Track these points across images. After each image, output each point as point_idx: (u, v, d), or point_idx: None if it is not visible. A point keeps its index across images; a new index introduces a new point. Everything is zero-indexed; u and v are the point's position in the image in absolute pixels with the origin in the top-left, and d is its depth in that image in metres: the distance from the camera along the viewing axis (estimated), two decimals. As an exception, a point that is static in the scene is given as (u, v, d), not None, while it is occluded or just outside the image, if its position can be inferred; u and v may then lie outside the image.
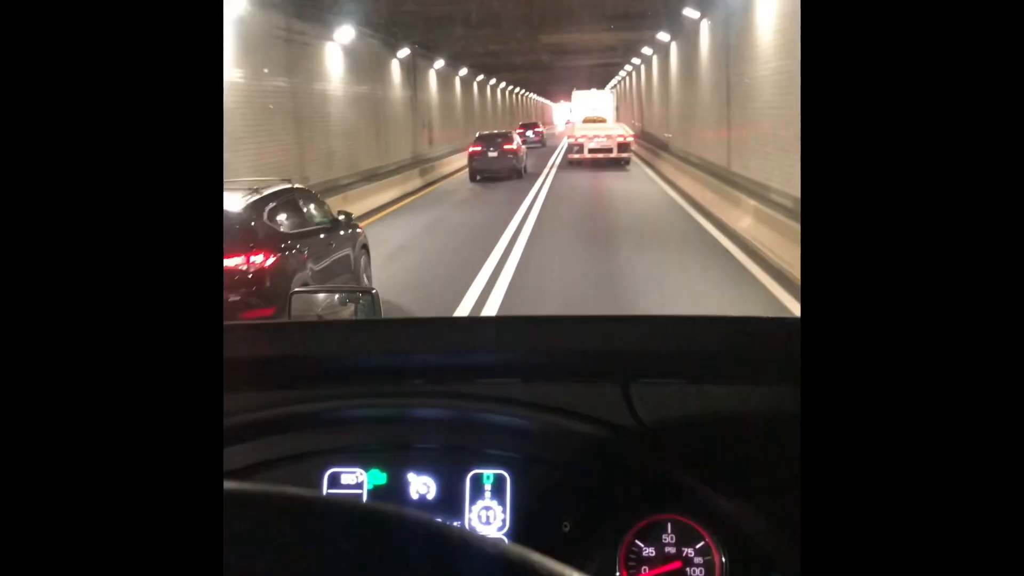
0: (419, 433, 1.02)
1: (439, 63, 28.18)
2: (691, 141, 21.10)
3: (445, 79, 30.49)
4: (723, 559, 0.93)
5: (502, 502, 0.98)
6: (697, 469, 0.91)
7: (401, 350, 1.03)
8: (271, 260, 5.59)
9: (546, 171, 22.14)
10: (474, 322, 1.14)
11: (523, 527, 0.97)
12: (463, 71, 33.02)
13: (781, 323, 1.01)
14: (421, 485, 0.99)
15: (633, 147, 24.43)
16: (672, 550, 0.94)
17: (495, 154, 20.35)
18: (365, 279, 7.37)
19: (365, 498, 0.98)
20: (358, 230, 7.43)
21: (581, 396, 0.97)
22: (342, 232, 6.95)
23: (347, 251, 6.96)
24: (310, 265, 6.02)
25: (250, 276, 5.48)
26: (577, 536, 0.94)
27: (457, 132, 30.86)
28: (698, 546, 0.94)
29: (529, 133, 31.90)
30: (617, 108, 46.24)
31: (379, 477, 1.00)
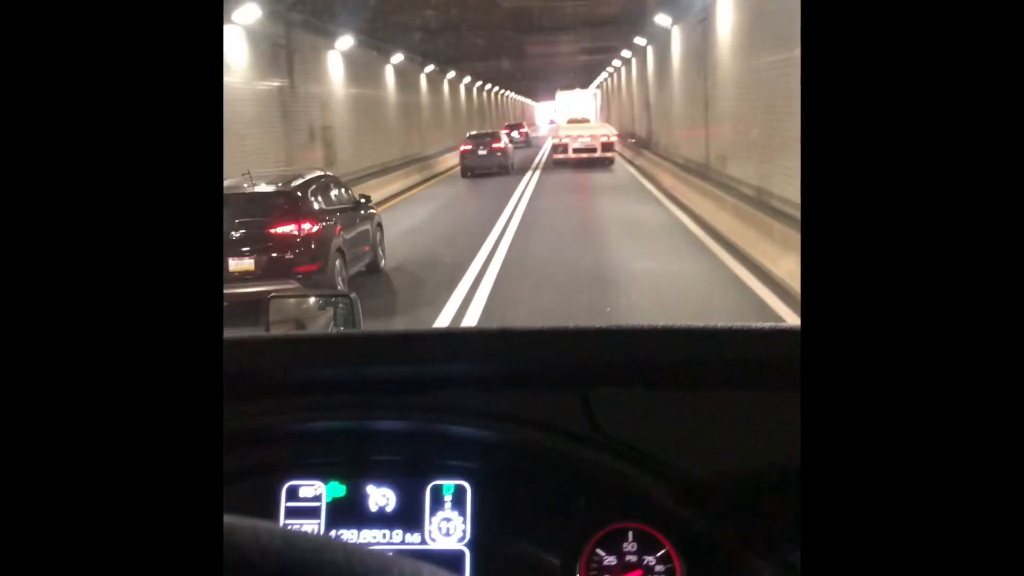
0: (378, 445, 1.02)
1: (429, 67, 29.64)
2: (666, 138, 22.75)
3: (434, 82, 31.90)
4: (684, 567, 0.93)
5: (462, 513, 0.98)
6: (657, 477, 0.92)
7: (360, 362, 1.03)
8: (315, 228, 7.25)
9: (532, 169, 23.83)
10: (434, 334, 1.21)
11: (483, 538, 0.97)
12: (451, 74, 34.48)
13: (746, 332, 1.03)
14: (380, 497, 0.99)
15: (617, 147, 24.98)
16: (633, 558, 0.94)
17: (484, 152, 22.41)
18: (380, 251, 9.01)
19: (323, 511, 0.99)
20: (373, 210, 9.07)
21: (541, 406, 0.98)
22: (363, 211, 8.61)
23: (367, 226, 8.61)
24: (342, 234, 7.67)
25: (299, 240, 7.12)
26: (538, 545, 0.95)
27: (445, 133, 32.34)
28: (659, 554, 0.94)
29: (514, 134, 33.03)
30: (601, 108, 46.83)
31: (338, 489, 1.00)
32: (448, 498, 0.99)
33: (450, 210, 15.36)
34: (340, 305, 1.42)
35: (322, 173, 8.38)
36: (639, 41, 26.24)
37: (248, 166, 8.13)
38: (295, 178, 7.77)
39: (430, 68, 29.79)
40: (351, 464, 1.01)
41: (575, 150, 23.26)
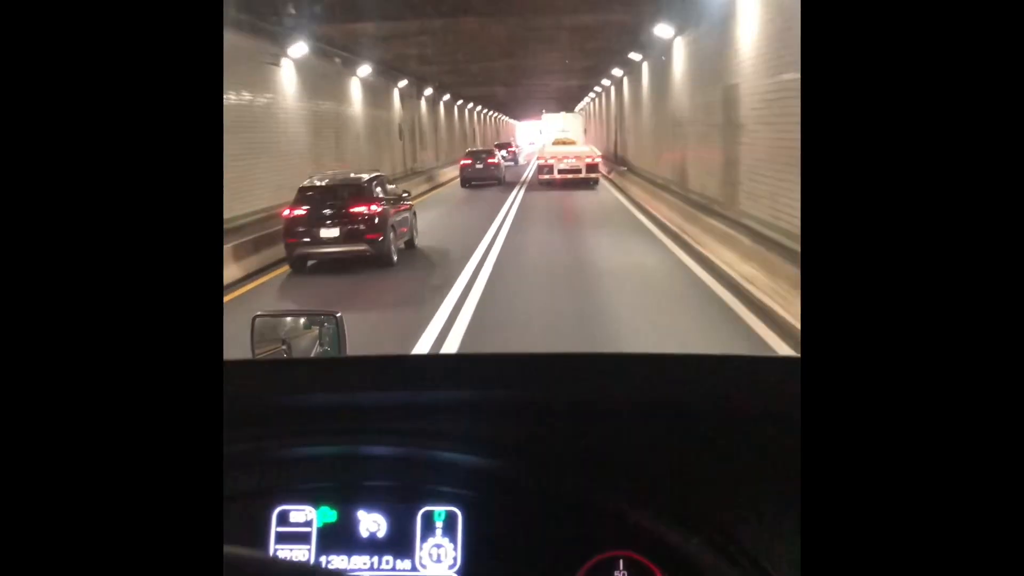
0: (369, 471, 1.02)
1: (428, 91, 32.86)
2: (643, 158, 25.33)
3: (431, 104, 35.26)
4: None
5: (453, 539, 0.98)
6: (647, 505, 0.92)
7: (352, 388, 1.04)
8: (378, 209, 10.60)
9: (519, 184, 27.09)
10: (426, 360, 1.14)
11: (474, 564, 0.97)
12: (446, 97, 37.87)
13: (735, 361, 1.02)
14: (371, 523, 0.99)
15: (601, 168, 25.62)
16: None
17: (481, 166, 26.58)
18: (415, 232, 12.32)
19: (314, 536, 0.99)
20: (411, 202, 12.42)
21: (532, 433, 0.98)
22: (404, 201, 11.95)
23: (407, 214, 11.94)
24: (393, 216, 10.97)
25: (368, 216, 10.43)
26: (529, 572, 0.96)
27: (440, 151, 35.78)
28: None
29: (503, 152, 35.53)
30: (585, 130, 47.60)
31: (329, 515, 1.00)
32: (439, 524, 0.98)
33: (452, 215, 18.73)
34: (325, 324, 1.40)
35: (379, 172, 11.79)
36: (616, 72, 29.20)
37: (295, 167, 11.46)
38: (362, 174, 11.20)
39: (428, 90, 33.02)
40: (342, 489, 1.01)
41: (560, 171, 23.96)
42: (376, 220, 10.54)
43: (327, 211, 10.43)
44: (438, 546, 0.99)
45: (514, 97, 47.74)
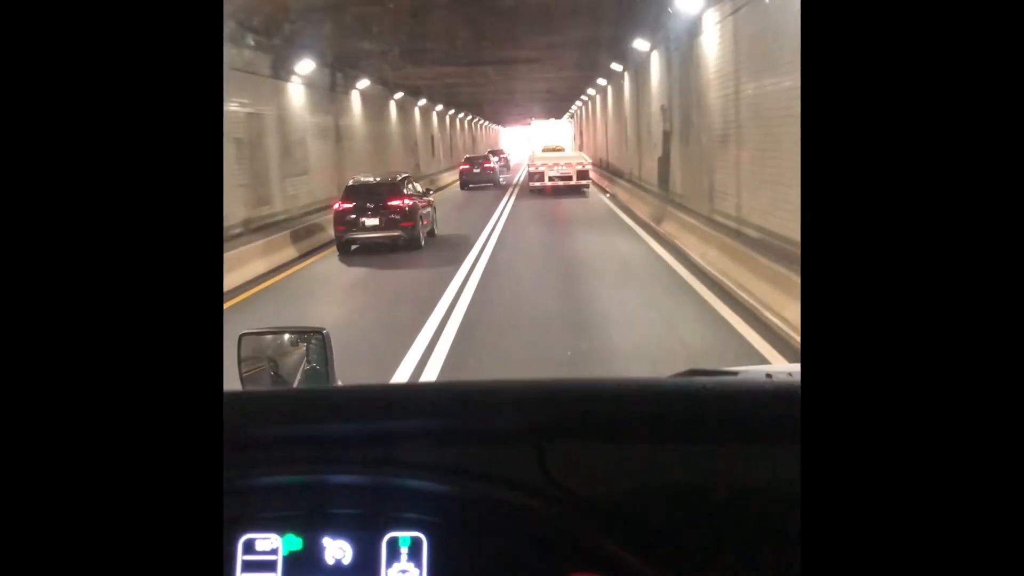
0: (334, 498, 1.04)
1: (422, 102, 35.28)
2: (629, 164, 25.70)
3: (425, 112, 37.79)
4: None
5: (419, 565, 0.99)
6: (613, 529, 0.94)
7: (315, 418, 1.06)
8: (410, 203, 13.47)
9: (512, 187, 30.08)
10: (389, 390, 1.15)
11: None
12: (439, 107, 40.43)
13: (702, 388, 1.04)
14: (337, 550, 1.00)
15: (592, 175, 25.83)
16: None
17: (478, 170, 30.19)
18: (435, 224, 15.14)
19: (280, 564, 1.01)
20: (431, 198, 15.28)
21: (496, 459, 1.00)
22: (427, 197, 14.82)
23: (429, 208, 14.78)
24: (420, 210, 13.81)
25: (401, 208, 13.28)
26: None
27: (439, 158, 38.58)
28: None
29: (495, 158, 38.10)
30: (574, 137, 47.85)
31: (294, 543, 1.01)
32: (404, 550, 0.99)
33: (460, 210, 21.61)
34: (312, 341, 1.40)
35: (407, 174, 14.67)
36: (600, 82, 30.72)
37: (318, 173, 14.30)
38: (395, 175, 14.14)
39: (420, 100, 35.60)
40: (307, 517, 1.02)
41: (551, 178, 24.16)
42: (408, 211, 13.37)
43: (369, 204, 13.25)
44: (403, 572, 0.99)
45: (503, 105, 48.45)
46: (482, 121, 64.90)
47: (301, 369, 1.39)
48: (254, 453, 1.02)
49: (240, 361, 1.38)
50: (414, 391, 1.23)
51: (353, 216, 13.22)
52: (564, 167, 24.45)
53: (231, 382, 1.19)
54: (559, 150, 30.28)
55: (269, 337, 1.44)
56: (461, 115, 51.53)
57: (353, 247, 13.48)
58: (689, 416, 1.01)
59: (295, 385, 1.36)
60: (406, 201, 13.45)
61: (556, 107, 48.99)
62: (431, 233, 14.90)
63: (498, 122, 71.49)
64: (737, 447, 0.97)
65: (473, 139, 60.78)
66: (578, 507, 0.96)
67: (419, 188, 14.90)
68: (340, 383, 1.36)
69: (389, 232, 13.21)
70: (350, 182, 14.10)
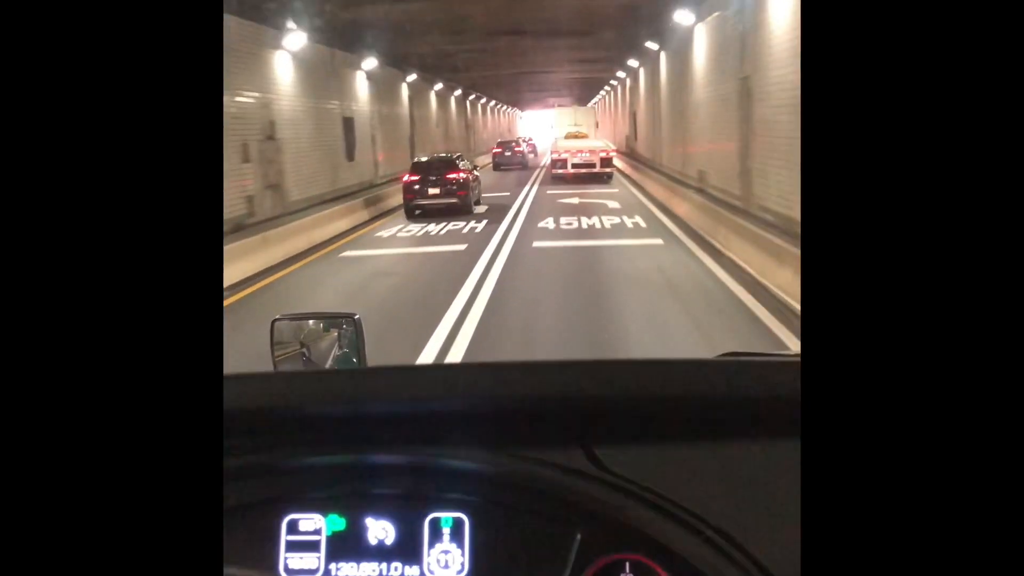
0: (377, 479, 1.06)
1: (438, 86, 34.86)
2: (651, 150, 26.51)
3: (443, 99, 40.01)
4: None
5: (461, 545, 1.01)
6: (654, 509, 0.94)
7: (359, 398, 1.06)
8: (463, 175, 17.11)
9: (540, 168, 33.48)
10: (431, 369, 1.19)
11: (482, 570, 1.00)
12: (457, 92, 40.47)
13: (736, 365, 1.06)
14: (380, 530, 1.02)
15: (616, 161, 25.35)
16: None
17: (509, 153, 34.14)
18: (480, 192, 18.68)
19: (323, 544, 1.03)
20: (478, 172, 18.92)
21: (538, 439, 1.01)
22: (475, 172, 18.41)
23: (478, 184, 18.35)
24: (472, 182, 17.41)
25: (457, 180, 16.89)
26: None
27: (474, 142, 42.07)
28: None
29: (524, 144, 41.53)
30: (597, 124, 47.43)
31: (337, 523, 1.03)
32: (447, 531, 1.02)
33: (498, 184, 25.12)
34: (344, 326, 1.41)
35: (460, 153, 18.28)
36: (632, 63, 29.41)
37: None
38: (450, 154, 17.88)
39: (440, 84, 37.89)
40: (350, 497, 1.04)
41: (574, 165, 23.90)
42: (462, 183, 16.93)
43: (431, 177, 16.81)
44: (446, 552, 1.01)
45: (529, 91, 49.18)
46: (506, 107, 65.03)
47: (332, 354, 1.39)
48: (298, 433, 1.03)
49: (273, 346, 1.39)
50: (454, 371, 1.23)
51: (418, 186, 16.80)
52: (587, 154, 24.20)
53: (265, 367, 1.27)
54: (582, 137, 30.43)
55: (302, 323, 1.43)
56: (484, 100, 51.27)
57: (417, 212, 17.00)
58: (735, 397, 1.00)
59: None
60: (461, 175, 17.03)
61: (581, 94, 49.62)
62: (477, 202, 18.46)
63: (522, 106, 71.90)
64: (782, 431, 0.94)
65: (502, 125, 62.35)
66: (622, 488, 0.96)
67: (470, 164, 18.46)
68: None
69: (447, 199, 16.78)
70: (415, 159, 17.81)
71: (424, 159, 17.81)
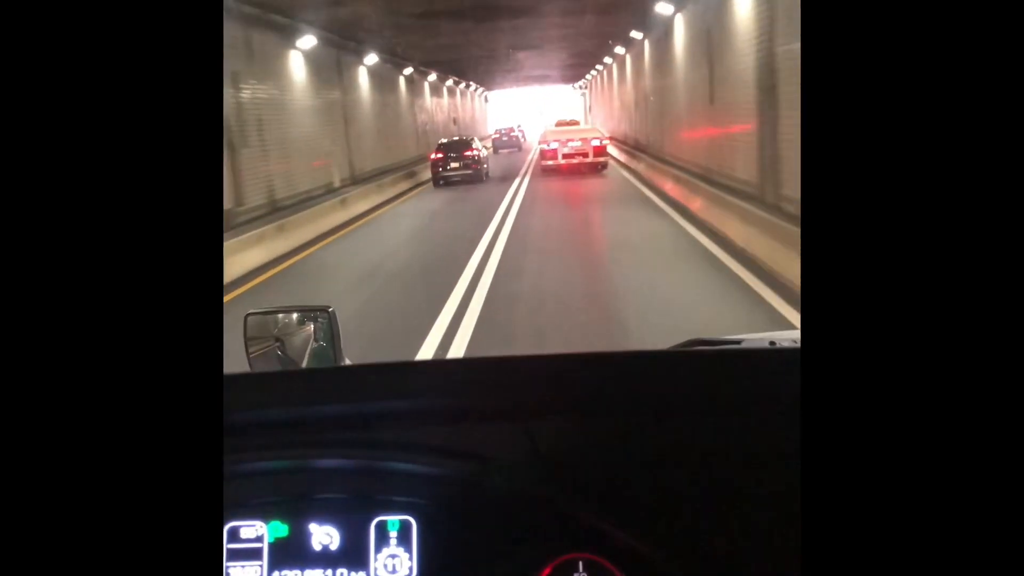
0: (320, 483, 1.04)
1: (432, 76, 36.25)
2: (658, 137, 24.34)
3: (450, 92, 44.37)
4: None
5: (408, 549, 0.99)
6: (604, 507, 0.94)
7: (299, 401, 1.05)
8: (477, 152, 22.69)
9: (532, 150, 38.39)
10: (375, 369, 1.15)
11: (431, 573, 0.99)
12: (449, 82, 41.32)
13: (696, 356, 1.06)
14: (324, 535, 1.01)
15: (609, 150, 24.45)
16: None
17: (506, 138, 40.06)
18: (489, 168, 24.01)
19: (265, 552, 1.01)
20: (487, 151, 24.48)
21: (486, 438, 1.00)
22: (485, 151, 23.87)
23: (488, 161, 23.79)
24: (485, 158, 22.92)
25: (473, 157, 22.40)
26: None
27: (465, 128, 46.49)
28: None
29: (517, 130, 46.54)
30: (589, 108, 46.78)
31: (280, 529, 1.01)
32: (393, 534, 1.00)
33: (499, 163, 30.29)
34: (319, 319, 1.41)
35: (472, 136, 23.97)
36: (619, 50, 29.14)
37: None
38: (464, 136, 23.95)
39: (449, 82, 42.09)
40: (293, 503, 1.02)
41: (565, 155, 22.51)
42: (477, 158, 22.34)
43: (452, 154, 22.21)
44: (393, 556, 0.99)
45: (515, 75, 43.35)
46: (482, 90, 58.81)
47: (308, 348, 1.39)
48: (237, 438, 0.99)
49: (247, 341, 1.39)
50: (398, 371, 1.22)
51: (443, 162, 22.17)
52: (579, 143, 22.59)
53: (240, 361, 1.26)
54: (573, 124, 29.60)
55: (275, 316, 1.43)
56: (463, 85, 47.82)
57: (441, 181, 22.28)
58: (686, 389, 1.01)
59: (303, 364, 1.38)
60: (475, 152, 22.46)
61: (568, 73, 45.51)
62: (487, 175, 23.80)
63: (518, 91, 65.42)
64: (737, 418, 0.96)
65: (477, 111, 58.66)
66: (570, 486, 0.96)
67: (480, 144, 23.75)
68: (348, 361, 1.39)
69: (465, 171, 22.15)
70: (439, 141, 23.22)
71: (446, 141, 23.27)
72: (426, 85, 33.63)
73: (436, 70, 34.14)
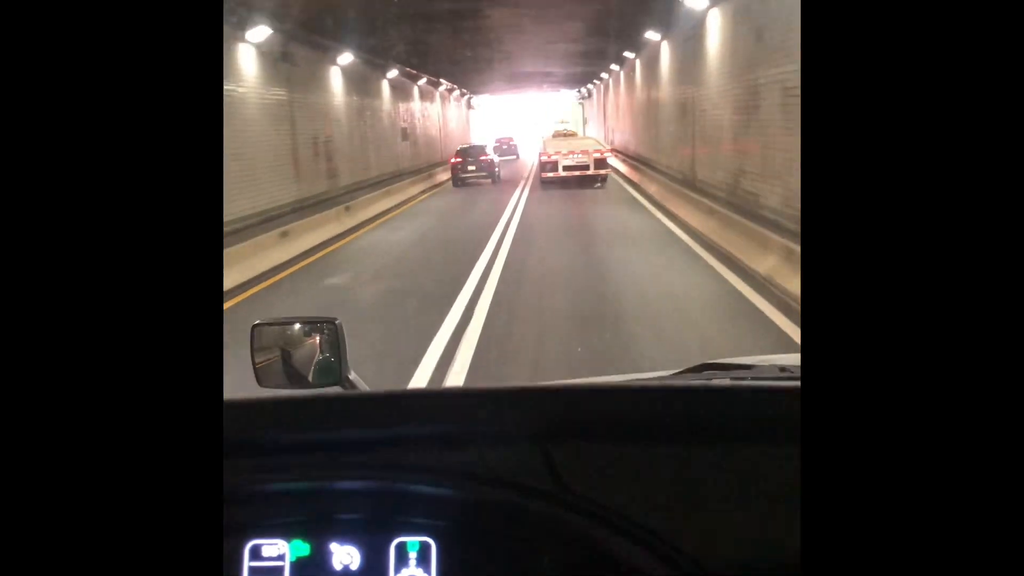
0: (341, 504, 1.06)
1: (442, 87, 38.50)
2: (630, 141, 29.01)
3: (457, 102, 47.72)
4: None
5: (427, 570, 1.01)
6: (621, 533, 0.95)
7: (322, 424, 1.08)
8: (490, 158, 27.06)
9: (529, 159, 42.17)
10: (395, 395, 1.17)
11: None
12: (442, 87, 39.93)
13: (712, 391, 1.07)
14: (344, 555, 1.02)
15: (610, 162, 24.40)
16: None
17: (505, 147, 43.96)
18: (500, 170, 28.39)
19: (287, 570, 1.02)
20: (498, 159, 28.79)
21: (505, 462, 1.01)
22: (497, 157, 28.40)
23: (499, 166, 28.20)
24: (498, 162, 27.38)
25: (486, 160, 26.80)
26: None
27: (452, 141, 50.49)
28: None
29: (514, 140, 48.87)
30: (586, 120, 47.27)
31: (302, 549, 1.03)
32: (413, 555, 1.02)
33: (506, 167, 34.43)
34: (325, 331, 1.43)
35: (482, 143, 28.44)
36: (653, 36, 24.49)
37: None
38: (479, 144, 28.06)
39: (455, 93, 46.27)
40: (315, 523, 1.04)
41: (565, 167, 22.17)
42: (490, 162, 26.56)
43: (470, 158, 26.43)
44: None
45: (508, 76, 39.27)
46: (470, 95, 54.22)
47: (314, 360, 1.41)
48: (261, 459, 1.03)
49: (253, 351, 1.41)
50: (419, 396, 1.26)
51: (461, 165, 26.40)
52: (579, 155, 22.14)
53: (246, 369, 1.36)
54: (572, 135, 30.19)
55: (282, 327, 1.45)
56: (458, 92, 45.83)
57: (460, 182, 26.40)
58: (696, 416, 1.03)
59: (309, 376, 1.40)
60: (490, 156, 26.81)
61: (566, 79, 44.67)
62: (499, 177, 28.11)
63: (512, 100, 63.08)
64: (745, 447, 0.98)
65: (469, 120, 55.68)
66: (586, 510, 0.97)
67: (491, 150, 28.08)
68: (352, 373, 1.41)
69: (480, 173, 26.42)
70: (458, 147, 27.64)
71: (464, 147, 27.61)
72: (384, 84, 27.23)
73: (400, 65, 27.04)
